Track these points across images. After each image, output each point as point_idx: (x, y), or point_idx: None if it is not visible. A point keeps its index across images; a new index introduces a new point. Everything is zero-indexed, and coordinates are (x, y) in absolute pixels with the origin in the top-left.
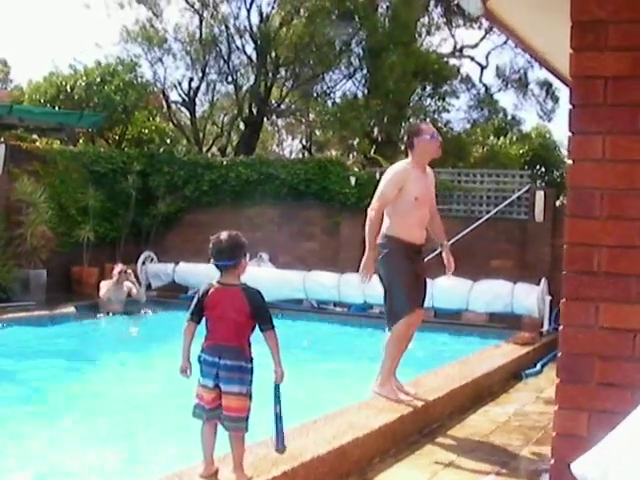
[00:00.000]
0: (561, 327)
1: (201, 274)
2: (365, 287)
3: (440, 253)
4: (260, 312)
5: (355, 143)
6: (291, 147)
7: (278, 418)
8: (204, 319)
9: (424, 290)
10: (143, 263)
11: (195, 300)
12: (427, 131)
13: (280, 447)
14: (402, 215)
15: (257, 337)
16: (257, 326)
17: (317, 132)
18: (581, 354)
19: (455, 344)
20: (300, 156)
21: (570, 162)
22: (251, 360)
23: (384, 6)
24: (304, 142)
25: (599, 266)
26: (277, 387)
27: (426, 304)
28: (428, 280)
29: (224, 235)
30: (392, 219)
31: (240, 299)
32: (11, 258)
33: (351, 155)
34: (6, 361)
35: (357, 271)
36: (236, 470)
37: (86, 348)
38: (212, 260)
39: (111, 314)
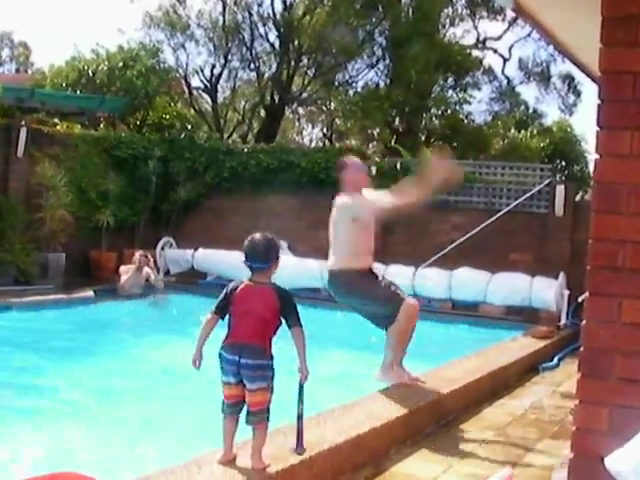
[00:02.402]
0: (583, 322)
1: (220, 260)
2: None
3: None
4: (289, 309)
5: (375, 133)
6: (311, 135)
7: (299, 418)
8: (228, 316)
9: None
10: (162, 249)
11: (222, 295)
12: (352, 165)
13: (299, 450)
14: (356, 245)
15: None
16: (285, 323)
17: (337, 121)
18: (603, 349)
19: (472, 336)
20: (320, 145)
21: (597, 157)
22: (272, 358)
23: None
24: (324, 131)
25: (624, 262)
26: (301, 387)
27: (444, 295)
28: (447, 271)
29: (260, 237)
30: (346, 252)
31: (270, 295)
32: (30, 241)
33: (371, 144)
34: (23, 345)
35: (377, 261)
36: (254, 457)
37: (105, 331)
38: (246, 260)
39: (129, 298)
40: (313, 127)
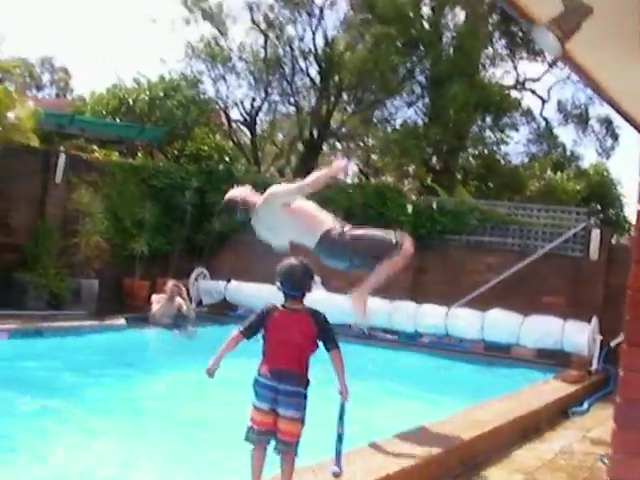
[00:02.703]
0: (620, 372)
1: (253, 293)
2: (417, 316)
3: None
4: (326, 333)
5: (411, 170)
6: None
7: (339, 439)
8: (263, 342)
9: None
10: (195, 279)
11: (255, 317)
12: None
13: (337, 471)
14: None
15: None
16: (323, 346)
17: (374, 157)
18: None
19: (503, 378)
20: (356, 180)
21: (639, 207)
22: (307, 385)
23: (449, 35)
24: (361, 166)
25: None
26: (342, 407)
27: (476, 336)
28: (479, 312)
29: (295, 263)
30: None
31: (307, 322)
32: (64, 267)
33: (406, 181)
34: (55, 369)
35: (409, 299)
36: None
37: (134, 360)
38: (281, 286)
39: (160, 328)
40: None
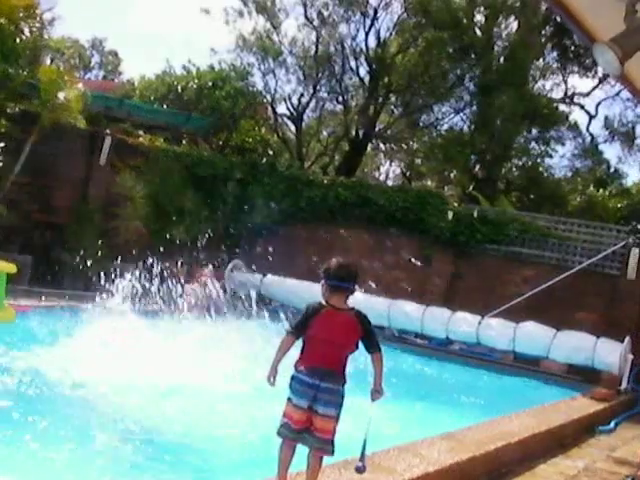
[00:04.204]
0: None
1: (288, 289)
2: (449, 323)
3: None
4: (369, 336)
5: (453, 176)
6: (387, 172)
7: (365, 438)
8: (303, 339)
9: None
10: (231, 270)
11: (302, 317)
12: None
13: (362, 467)
14: None
15: None
16: (365, 348)
17: (417, 161)
18: None
19: (530, 390)
20: (396, 183)
21: None
22: (345, 384)
23: (500, 44)
24: (403, 169)
25: None
26: (371, 408)
27: (507, 347)
28: (512, 323)
29: (346, 261)
30: None
31: (353, 323)
32: (104, 249)
33: (446, 187)
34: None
35: (443, 305)
36: None
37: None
38: (333, 281)
39: (191, 315)
40: (391, 164)
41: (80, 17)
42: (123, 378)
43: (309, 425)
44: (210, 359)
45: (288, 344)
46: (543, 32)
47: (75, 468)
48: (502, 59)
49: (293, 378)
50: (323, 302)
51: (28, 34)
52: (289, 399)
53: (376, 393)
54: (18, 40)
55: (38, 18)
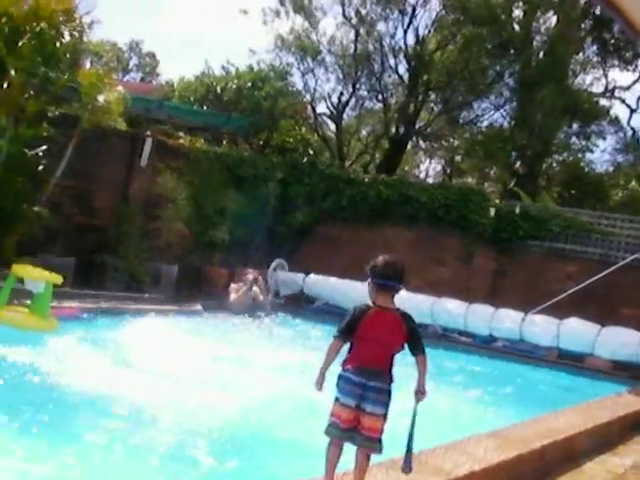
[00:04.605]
0: None
1: (331, 287)
2: (492, 320)
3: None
4: (415, 337)
5: (493, 173)
6: (427, 170)
7: (410, 438)
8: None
9: None
10: (274, 270)
11: (349, 319)
12: None
13: (407, 468)
14: None
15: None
16: (409, 350)
17: (457, 158)
18: None
19: (575, 387)
20: (436, 180)
21: None
22: (392, 383)
23: (539, 39)
24: (444, 167)
25: None
26: (415, 407)
27: (551, 343)
28: (556, 320)
29: (394, 258)
30: None
31: (399, 324)
32: (145, 251)
33: (486, 184)
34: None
35: (485, 302)
36: None
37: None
38: (379, 279)
39: (235, 316)
40: (430, 162)
41: (117, 20)
42: None
43: (357, 424)
44: None
45: (336, 348)
46: (582, 26)
47: None
48: (541, 54)
49: (340, 377)
50: (370, 302)
51: (68, 38)
52: (337, 398)
53: (419, 394)
54: (58, 44)
55: (77, 22)
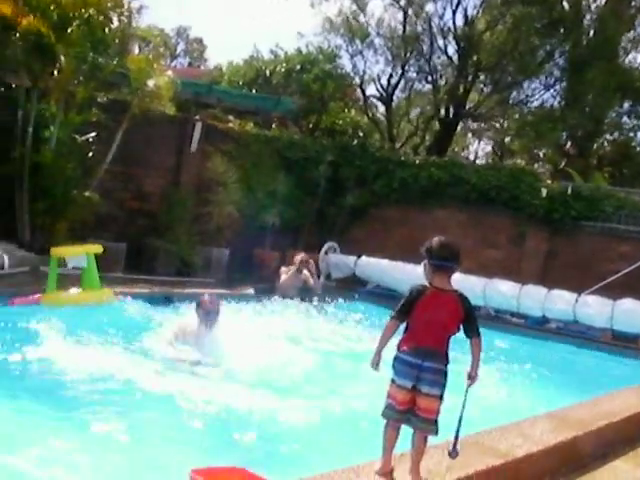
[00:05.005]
0: None
1: (383, 270)
2: (545, 301)
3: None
4: (471, 319)
5: (542, 153)
6: (476, 151)
7: (460, 422)
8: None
9: None
10: (326, 253)
11: (406, 300)
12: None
13: (453, 452)
14: None
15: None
16: (464, 332)
17: (506, 139)
18: None
19: (631, 368)
20: (486, 161)
21: None
22: (448, 363)
23: (589, 18)
24: (493, 148)
25: None
26: (467, 390)
27: (605, 324)
28: (610, 301)
29: (448, 240)
30: None
31: (456, 305)
32: (196, 235)
33: (536, 165)
34: None
35: (538, 283)
36: (412, 471)
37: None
38: (436, 260)
39: (286, 299)
40: (479, 143)
41: (164, 6)
42: None
43: (413, 406)
44: None
45: (392, 329)
46: (633, 3)
47: None
48: (592, 32)
49: (396, 359)
50: (426, 283)
51: (116, 23)
52: (392, 380)
53: (471, 378)
54: (107, 30)
55: (125, 7)
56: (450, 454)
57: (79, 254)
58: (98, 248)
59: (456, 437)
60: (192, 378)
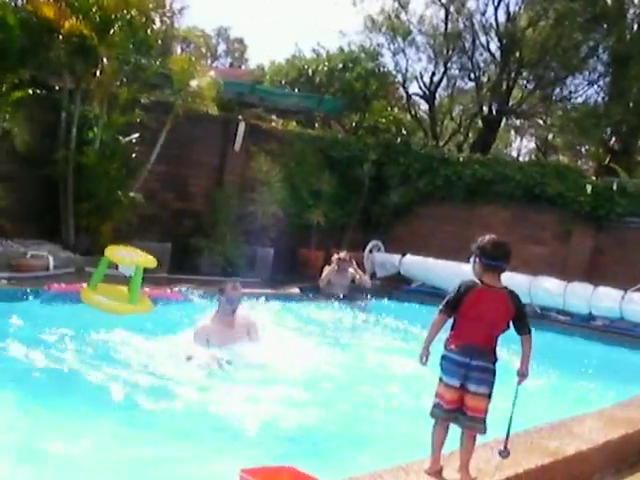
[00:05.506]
0: None
1: (428, 268)
2: (591, 299)
3: None
4: (521, 317)
5: (585, 150)
6: (519, 148)
7: (510, 421)
8: (454, 317)
9: None
10: (370, 251)
11: (454, 294)
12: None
13: (504, 452)
14: None
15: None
16: (515, 329)
17: (549, 135)
18: None
19: None
20: (530, 158)
21: None
22: (496, 362)
23: (633, 12)
24: (537, 144)
25: None
26: (517, 389)
27: None
28: None
29: (501, 240)
30: None
31: (505, 302)
32: (241, 234)
33: (579, 161)
34: None
35: (584, 280)
36: (462, 470)
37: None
38: (488, 260)
39: (333, 298)
40: (522, 140)
41: (205, 7)
42: None
43: (461, 405)
44: None
45: (440, 323)
46: None
47: None
48: (635, 27)
49: (443, 357)
50: (476, 280)
51: (158, 24)
52: (440, 379)
53: (522, 376)
54: (149, 31)
55: (167, 8)
56: (501, 453)
57: (130, 264)
58: (153, 262)
59: (507, 436)
60: (224, 376)
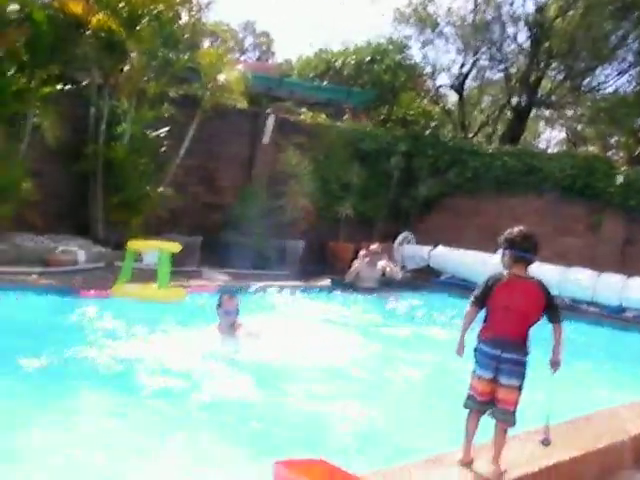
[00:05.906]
0: None
1: (458, 260)
2: (622, 290)
3: None
4: (553, 306)
5: (615, 140)
6: (548, 139)
7: (549, 411)
8: (486, 309)
9: None
10: (400, 244)
11: (483, 286)
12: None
13: (545, 441)
14: None
15: None
16: (547, 319)
17: (578, 126)
18: None
19: None
20: (559, 149)
21: None
22: (528, 354)
23: None
24: (567, 135)
25: None
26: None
27: None
28: None
29: (530, 231)
30: None
31: (536, 292)
32: (270, 227)
33: (609, 152)
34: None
35: (616, 271)
36: (494, 461)
37: (330, 321)
38: (518, 252)
39: (363, 290)
40: (552, 131)
41: (230, 1)
42: None
43: (494, 397)
44: None
45: (472, 315)
46: None
47: None
48: None
49: (476, 350)
50: (504, 271)
51: (186, 19)
52: (474, 371)
53: (554, 365)
54: (176, 25)
55: (194, 2)
56: (543, 442)
57: (154, 250)
58: (176, 247)
59: (547, 426)
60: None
